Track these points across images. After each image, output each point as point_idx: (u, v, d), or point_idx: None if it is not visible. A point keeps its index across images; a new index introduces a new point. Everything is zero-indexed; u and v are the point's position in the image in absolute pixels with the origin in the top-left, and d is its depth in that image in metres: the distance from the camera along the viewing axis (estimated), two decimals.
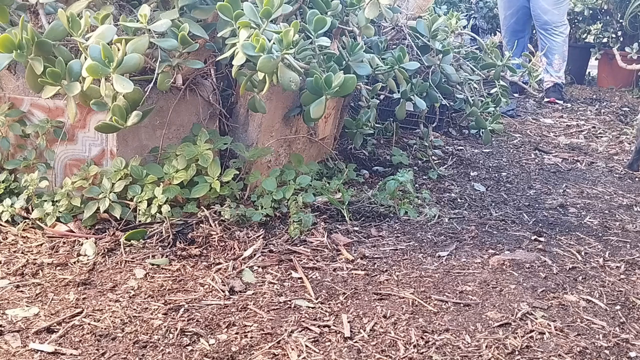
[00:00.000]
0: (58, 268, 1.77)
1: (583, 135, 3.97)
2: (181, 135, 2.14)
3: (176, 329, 1.49)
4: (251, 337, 1.47)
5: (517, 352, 1.46)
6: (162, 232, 1.94)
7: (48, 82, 1.70)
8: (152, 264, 1.80)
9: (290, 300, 1.65)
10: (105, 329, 1.48)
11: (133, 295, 1.64)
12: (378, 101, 2.77)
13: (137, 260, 1.83)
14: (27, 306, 1.57)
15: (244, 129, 2.27)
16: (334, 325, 1.54)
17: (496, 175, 2.96)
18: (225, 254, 1.88)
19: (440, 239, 2.11)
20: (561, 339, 1.52)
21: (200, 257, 1.86)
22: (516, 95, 4.98)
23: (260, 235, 1.99)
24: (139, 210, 1.97)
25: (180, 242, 1.91)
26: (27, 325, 1.48)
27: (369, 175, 2.74)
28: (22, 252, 1.84)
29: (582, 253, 2.06)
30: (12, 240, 1.92)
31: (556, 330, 1.56)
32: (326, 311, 1.61)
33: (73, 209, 1.99)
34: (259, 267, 1.83)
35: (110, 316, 1.53)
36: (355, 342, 1.48)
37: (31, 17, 1.93)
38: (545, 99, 4.94)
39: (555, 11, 4.82)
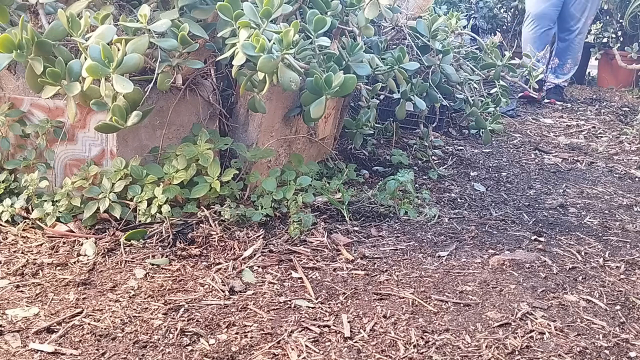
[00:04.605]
0: (58, 268, 1.77)
1: (583, 135, 3.97)
2: (181, 135, 2.14)
3: (176, 329, 1.49)
4: (251, 337, 1.47)
5: (517, 352, 1.46)
6: (162, 232, 1.94)
7: (48, 82, 1.70)
8: (152, 264, 1.81)
9: (290, 300, 1.65)
10: (105, 329, 1.48)
11: (133, 295, 1.64)
12: (378, 101, 2.77)
13: (137, 260, 1.83)
14: (27, 306, 1.57)
15: (244, 129, 2.27)
16: (334, 325, 1.54)
17: (496, 175, 2.96)
18: (225, 254, 1.88)
19: (440, 239, 2.11)
20: (561, 339, 1.52)
21: (200, 257, 1.86)
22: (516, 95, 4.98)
23: (260, 235, 1.99)
24: (139, 210, 1.97)
25: (180, 242, 1.91)
26: (27, 325, 1.48)
27: (369, 175, 2.74)
28: (22, 252, 1.84)
29: (582, 253, 2.06)
30: (12, 240, 1.92)
31: (556, 330, 1.56)
32: (326, 311, 1.61)
33: (73, 209, 2.00)
34: (259, 267, 1.83)
35: (110, 316, 1.53)
36: (355, 342, 1.48)
37: (31, 17, 1.93)
38: (546, 100, 4.95)
39: (584, 15, 4.82)
